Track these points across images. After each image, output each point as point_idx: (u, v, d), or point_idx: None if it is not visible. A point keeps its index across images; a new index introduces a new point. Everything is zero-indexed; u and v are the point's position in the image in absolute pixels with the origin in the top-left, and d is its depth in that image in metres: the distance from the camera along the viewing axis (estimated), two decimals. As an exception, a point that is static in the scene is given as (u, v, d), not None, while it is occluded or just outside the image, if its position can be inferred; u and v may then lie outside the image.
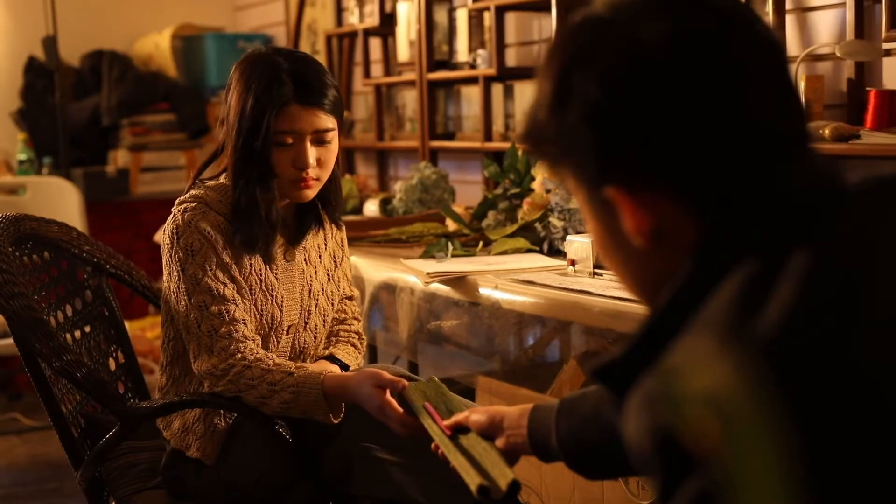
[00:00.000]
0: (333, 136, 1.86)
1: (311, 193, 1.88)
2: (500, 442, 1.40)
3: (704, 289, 0.79)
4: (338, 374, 1.81)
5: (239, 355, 1.79)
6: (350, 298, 2.10)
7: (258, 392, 1.77)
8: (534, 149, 0.91)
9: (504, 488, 1.33)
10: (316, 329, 1.98)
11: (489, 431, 1.42)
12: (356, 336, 2.07)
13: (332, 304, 2.02)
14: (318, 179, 1.87)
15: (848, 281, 0.74)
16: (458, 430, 1.49)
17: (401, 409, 1.69)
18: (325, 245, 2.01)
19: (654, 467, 0.75)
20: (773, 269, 0.75)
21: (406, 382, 1.70)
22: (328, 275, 2.01)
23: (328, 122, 1.84)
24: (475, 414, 1.45)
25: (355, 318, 2.09)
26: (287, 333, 1.92)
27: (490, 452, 1.40)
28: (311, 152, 1.83)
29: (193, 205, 1.84)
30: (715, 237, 0.81)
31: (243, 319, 1.82)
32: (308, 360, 1.95)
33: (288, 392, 1.76)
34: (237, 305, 1.82)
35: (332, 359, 1.99)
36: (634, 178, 0.82)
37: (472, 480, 1.34)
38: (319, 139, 1.84)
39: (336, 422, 1.77)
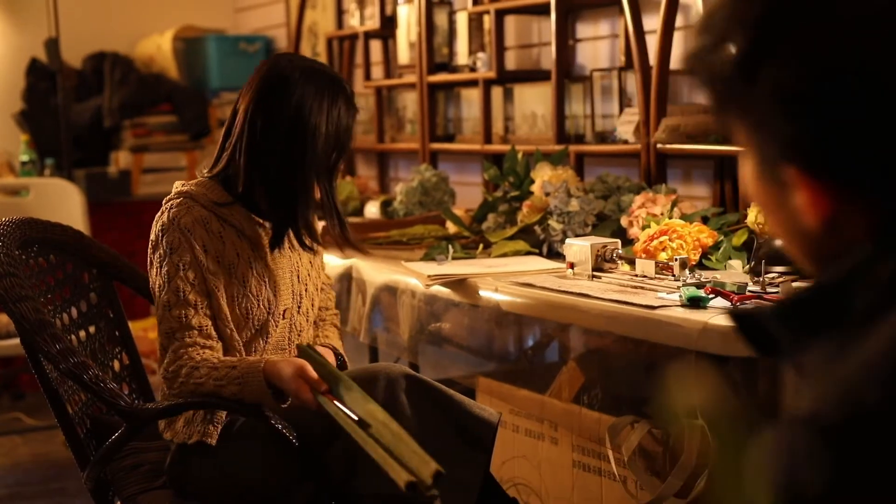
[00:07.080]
0: None
1: None
2: None
3: (869, 282, 0.75)
4: (274, 359, 1.87)
5: (186, 357, 1.86)
6: (328, 285, 2.21)
7: (207, 388, 1.84)
8: (703, 84, 0.84)
9: (429, 480, 1.35)
10: (308, 312, 2.05)
11: None
12: (335, 316, 2.19)
13: (318, 290, 2.10)
14: None
15: None
16: (362, 419, 1.54)
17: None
18: None
19: None
20: None
21: (326, 386, 1.77)
22: (310, 261, 2.08)
23: None
24: None
25: (330, 300, 2.20)
26: (283, 318, 1.99)
27: (401, 437, 1.43)
28: None
29: (178, 201, 1.90)
30: (891, 231, 0.76)
31: (199, 326, 1.88)
32: (305, 342, 2.01)
33: (234, 384, 1.83)
34: (197, 311, 1.87)
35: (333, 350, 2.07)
36: (821, 166, 0.77)
37: (399, 477, 1.37)
38: None
39: (285, 406, 1.84)
